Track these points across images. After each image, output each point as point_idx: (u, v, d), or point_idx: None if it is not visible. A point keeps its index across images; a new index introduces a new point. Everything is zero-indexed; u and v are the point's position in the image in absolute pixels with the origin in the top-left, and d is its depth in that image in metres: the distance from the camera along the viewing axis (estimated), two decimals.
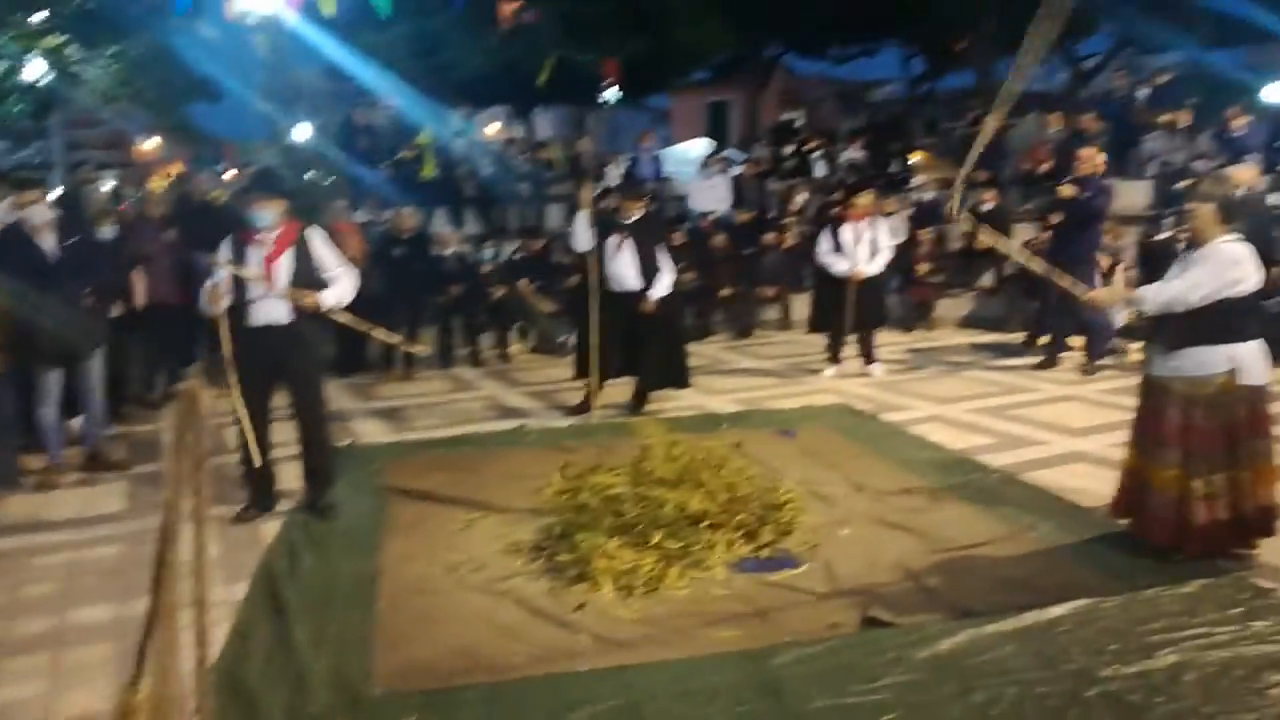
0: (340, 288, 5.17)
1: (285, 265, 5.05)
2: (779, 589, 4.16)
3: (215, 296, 4.96)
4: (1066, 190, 8.74)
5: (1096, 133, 12.15)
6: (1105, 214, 8.76)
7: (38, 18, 13.58)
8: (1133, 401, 4.65)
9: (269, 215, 5.04)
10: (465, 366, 9.75)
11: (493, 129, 21.19)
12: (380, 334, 5.98)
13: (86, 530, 5.21)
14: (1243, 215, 4.42)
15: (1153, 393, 4.37)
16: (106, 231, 7.55)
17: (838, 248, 8.60)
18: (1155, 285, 4.18)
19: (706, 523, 4.60)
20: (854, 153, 14.90)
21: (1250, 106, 12.73)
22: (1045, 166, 12.28)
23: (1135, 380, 4.64)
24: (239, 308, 5.01)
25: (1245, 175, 10.12)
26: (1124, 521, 4.65)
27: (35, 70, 13.87)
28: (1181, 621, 3.71)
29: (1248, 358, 4.19)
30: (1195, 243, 4.36)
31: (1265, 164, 11.23)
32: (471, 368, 9.73)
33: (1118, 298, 4.30)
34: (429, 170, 12.59)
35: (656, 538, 4.42)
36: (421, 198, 11.69)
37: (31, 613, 4.22)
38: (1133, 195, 11.67)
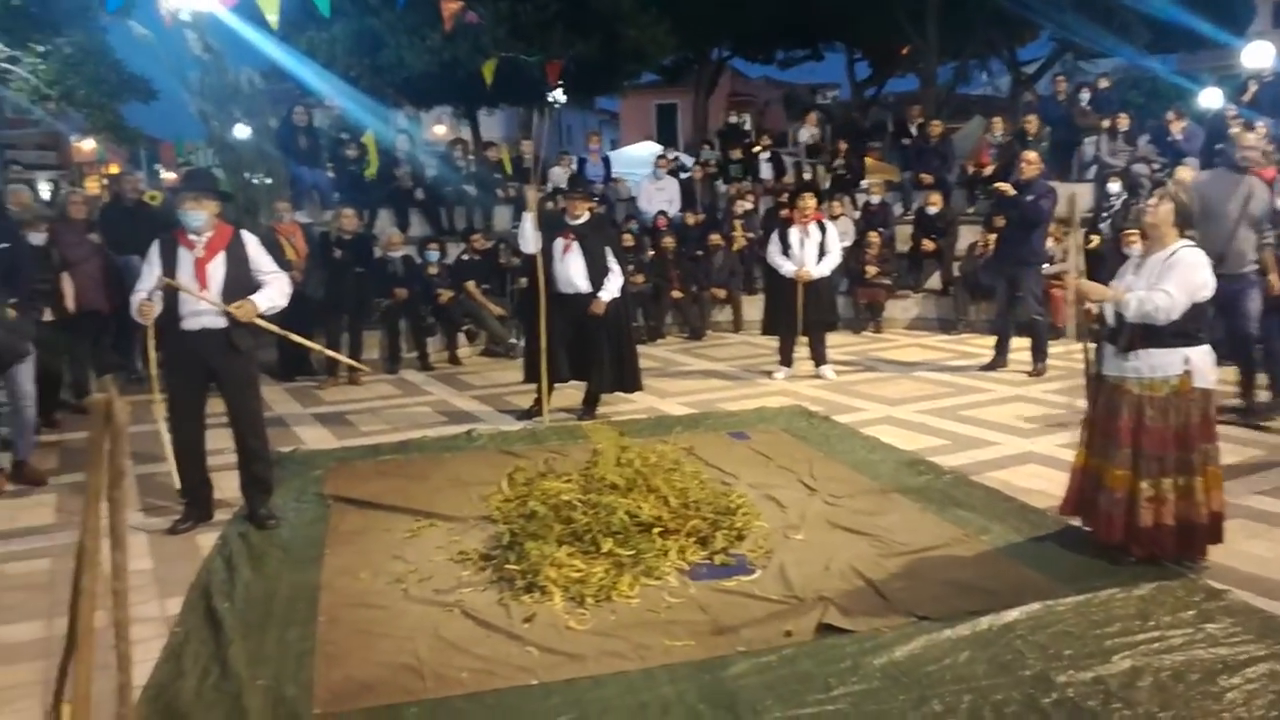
0: (272, 290, 5.00)
1: (218, 269, 4.87)
2: (733, 596, 4.08)
3: (145, 311, 4.78)
4: (1004, 188, 8.84)
5: (1038, 136, 12.32)
6: (1050, 216, 8.84)
7: None
8: (1080, 402, 4.66)
9: (201, 216, 4.86)
10: (412, 370, 9.57)
11: (438, 129, 20.98)
12: (319, 349, 5.81)
13: (13, 543, 4.98)
14: (1195, 222, 4.44)
15: (1105, 393, 4.37)
16: (36, 237, 7.25)
17: (786, 250, 8.58)
18: (1140, 293, 4.14)
19: (658, 529, 4.51)
20: (809, 129, 14.93)
21: (1186, 111, 12.99)
22: (989, 169, 12.42)
23: (1083, 381, 4.64)
24: (171, 313, 4.82)
25: (1186, 176, 10.32)
26: (1075, 520, 4.66)
27: None
28: (1136, 625, 3.69)
29: (1201, 361, 4.20)
30: (1149, 245, 4.38)
31: (1201, 167, 11.45)
32: (419, 371, 9.55)
33: (1105, 295, 4.27)
34: (372, 170, 12.37)
35: (608, 545, 4.32)
36: (365, 199, 11.48)
37: None
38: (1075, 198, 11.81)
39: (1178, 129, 12.07)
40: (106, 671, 2.65)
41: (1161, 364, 4.19)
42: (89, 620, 2.47)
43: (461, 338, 10.40)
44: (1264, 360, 6.79)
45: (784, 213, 9.80)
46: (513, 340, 10.12)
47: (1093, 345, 4.52)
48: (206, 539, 4.91)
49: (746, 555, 4.48)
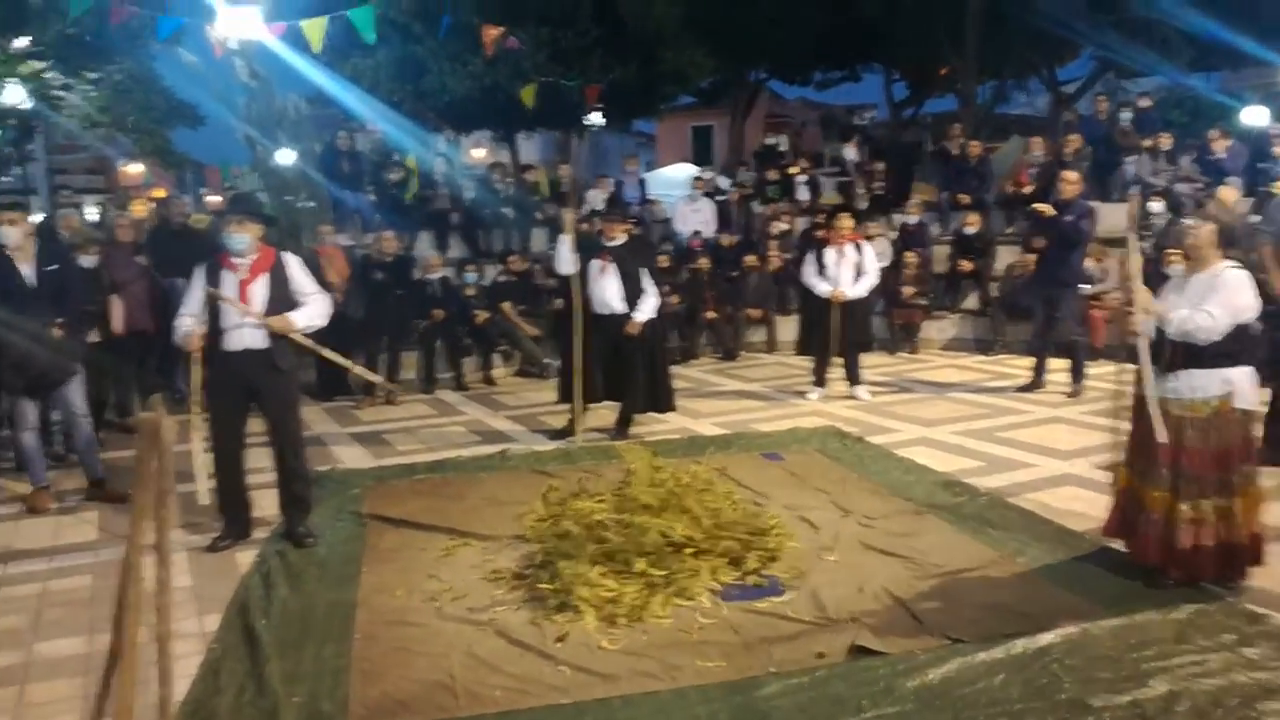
0: (312, 309, 5.10)
1: (260, 290, 4.98)
2: (765, 617, 4.08)
3: (191, 344, 4.89)
4: (1043, 208, 8.77)
5: (1078, 156, 12.22)
6: (1090, 237, 8.77)
7: (19, 43, 13.53)
8: (1121, 424, 4.61)
9: (245, 239, 4.97)
10: (448, 390, 9.67)
11: (478, 153, 21.21)
12: (357, 370, 5.90)
13: (57, 560, 5.09)
14: (1239, 242, 4.41)
15: (1146, 414, 4.33)
16: (88, 259, 7.44)
17: (822, 270, 8.59)
18: (1184, 311, 4.12)
19: (691, 550, 4.52)
20: (850, 152, 14.94)
21: (1230, 129, 12.83)
22: (1028, 189, 12.33)
23: (1122, 403, 4.59)
24: (214, 333, 4.93)
25: (1228, 196, 10.21)
26: (1117, 543, 4.61)
27: (15, 96, 13.80)
28: (1173, 649, 3.65)
29: (1242, 382, 4.18)
30: (1192, 265, 4.34)
31: (1246, 186, 11.30)
32: (454, 391, 9.65)
33: (1153, 309, 4.24)
34: (412, 193, 12.55)
35: (640, 565, 4.34)
36: (405, 222, 11.65)
37: None
38: (1115, 218, 11.70)
39: (1221, 148, 11.92)
40: (146, 686, 2.71)
41: (1202, 384, 4.17)
42: (133, 634, 2.54)
43: (497, 358, 10.49)
44: None
45: (820, 233, 9.80)
46: (547, 361, 10.19)
47: (1134, 365, 4.46)
48: (245, 557, 4.99)
49: (779, 576, 4.47)
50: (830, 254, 8.59)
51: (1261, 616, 3.91)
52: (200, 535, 5.24)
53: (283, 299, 5.02)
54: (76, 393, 6.04)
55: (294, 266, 5.15)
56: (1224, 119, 15.23)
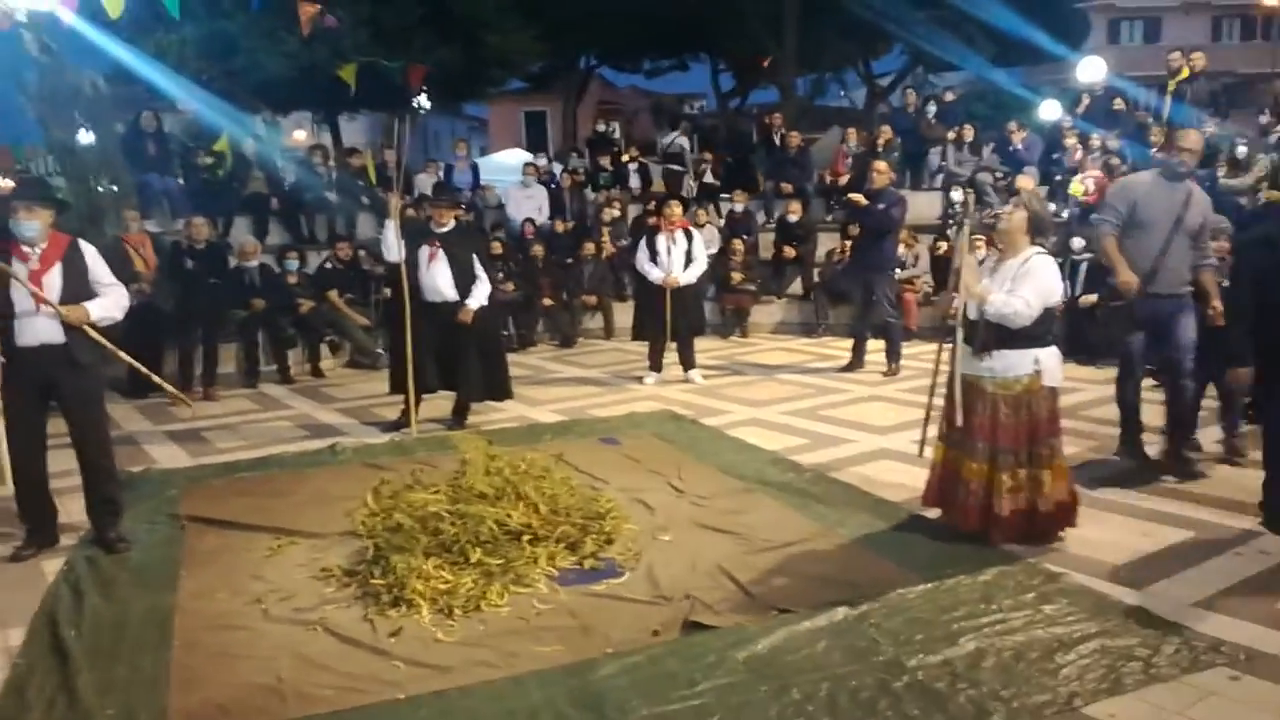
0: (108, 301, 4.80)
1: (54, 281, 4.65)
2: (602, 599, 4.13)
3: None
4: (856, 198, 9.21)
5: (889, 147, 12.85)
6: (900, 224, 9.24)
7: None
8: (933, 401, 4.90)
9: (35, 226, 4.63)
10: (272, 384, 9.29)
11: (299, 135, 20.40)
12: (155, 380, 5.53)
13: None
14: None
15: (963, 390, 4.59)
16: None
17: (654, 257, 8.72)
18: (1002, 295, 4.39)
19: (528, 536, 4.53)
20: (679, 138, 15.14)
21: (1027, 122, 13.78)
22: (845, 179, 12.88)
23: (938, 381, 4.88)
24: (4, 327, 4.57)
25: (1026, 185, 10.96)
26: (934, 512, 4.90)
27: None
28: (980, 609, 3.90)
29: (1050, 361, 4.51)
30: (1004, 250, 4.63)
31: (1040, 176, 12.17)
32: (279, 384, 9.28)
33: (974, 291, 4.47)
34: (223, 174, 11.91)
35: (476, 555, 4.31)
36: (219, 207, 11.07)
37: None
38: (923, 206, 12.39)
39: (1018, 139, 12.80)
40: None
41: (1014, 364, 4.47)
42: None
43: (324, 349, 10.15)
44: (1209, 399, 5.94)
45: (652, 220, 9.93)
46: (378, 350, 9.94)
47: (949, 345, 4.74)
48: (51, 565, 4.67)
49: (615, 558, 4.54)
50: (662, 241, 8.73)
51: (1058, 575, 4.23)
52: (2, 545, 4.87)
53: (79, 291, 4.70)
54: None
55: (90, 255, 4.83)
56: (1023, 112, 16.33)
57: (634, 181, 14.47)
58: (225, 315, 9.24)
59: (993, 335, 4.46)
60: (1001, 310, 4.38)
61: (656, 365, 8.94)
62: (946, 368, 4.77)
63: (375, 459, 6.41)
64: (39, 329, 4.62)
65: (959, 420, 4.54)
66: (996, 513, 4.49)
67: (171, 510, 5.44)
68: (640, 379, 8.98)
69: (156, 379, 5.58)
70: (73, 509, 5.10)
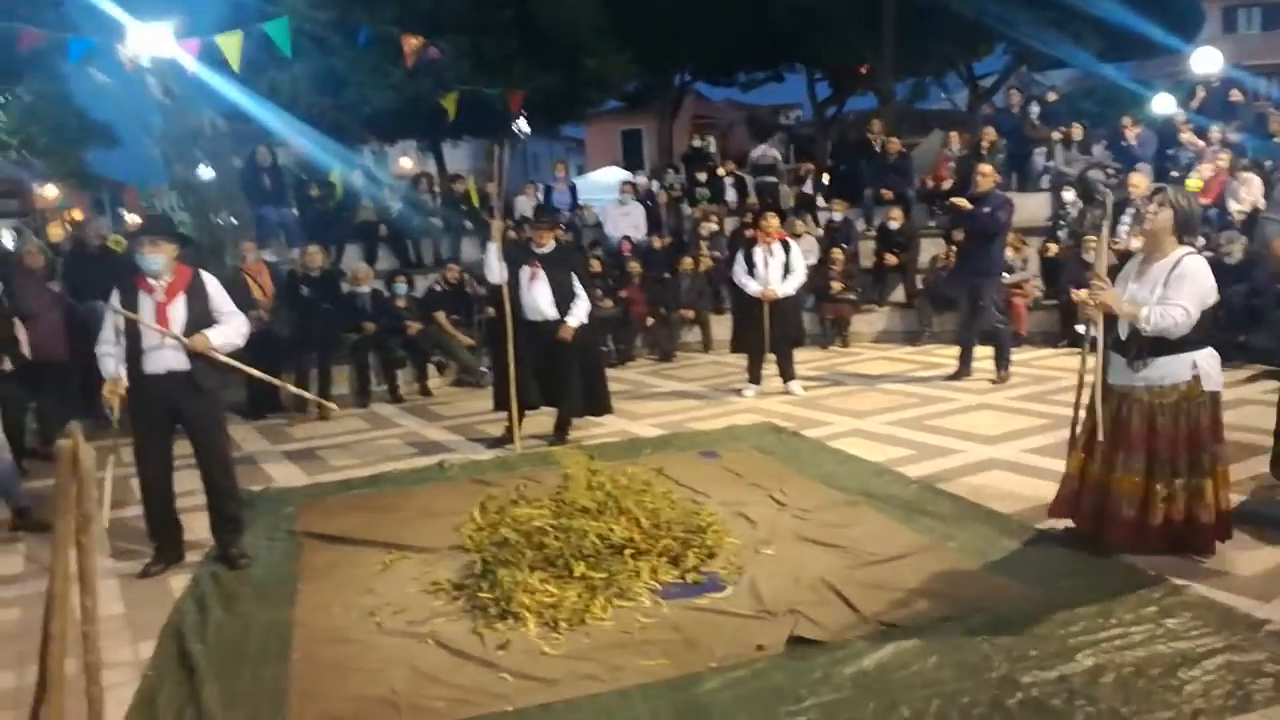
0: (228, 328, 5.03)
1: (179, 311, 4.90)
2: (705, 613, 4.12)
3: (111, 391, 4.85)
4: (960, 203, 9.01)
5: (994, 149, 12.55)
6: (1007, 227, 9.00)
7: None
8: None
9: (159, 260, 4.88)
10: (383, 403, 9.58)
11: (404, 163, 21.03)
12: (286, 387, 5.83)
13: None
14: (1197, 229, 4.43)
15: (1112, 401, 4.37)
16: None
17: (751, 269, 8.69)
18: (1157, 308, 4.14)
19: (630, 550, 4.55)
20: (771, 149, 15.07)
21: (1141, 117, 13.28)
22: (947, 183, 12.62)
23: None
24: (133, 356, 4.84)
25: (1140, 182, 10.57)
26: (1044, 523, 4.75)
27: None
28: (1099, 623, 3.76)
29: (1208, 364, 4.25)
30: (1151, 251, 4.36)
31: (1155, 172, 11.71)
32: (389, 404, 9.56)
33: (1124, 312, 4.24)
34: (335, 204, 12.38)
35: (580, 569, 4.36)
36: (331, 235, 11.50)
37: None
38: (1031, 208, 12.05)
39: (1132, 135, 12.34)
40: (79, 718, 2.66)
41: (1171, 371, 4.22)
42: (59, 666, 2.49)
43: (431, 369, 10.42)
44: None
45: (748, 233, 9.90)
46: (483, 369, 10.15)
47: (1092, 354, 4.50)
48: (178, 581, 4.90)
49: (718, 572, 4.52)
50: (759, 253, 8.71)
51: (1181, 588, 4.05)
52: (133, 561, 5.13)
53: (201, 319, 4.95)
54: None
55: (212, 285, 5.08)
56: (1135, 107, 15.76)
57: (730, 195, 14.47)
58: (339, 338, 9.58)
59: (1147, 343, 4.22)
60: (1160, 324, 4.12)
61: (755, 377, 8.90)
62: (1089, 375, 4.56)
63: (481, 475, 6.54)
64: (165, 358, 4.87)
65: (1101, 435, 4.29)
66: (1151, 524, 4.27)
67: (289, 527, 5.66)
68: (739, 391, 8.95)
69: (296, 389, 5.83)
70: (197, 527, 5.33)
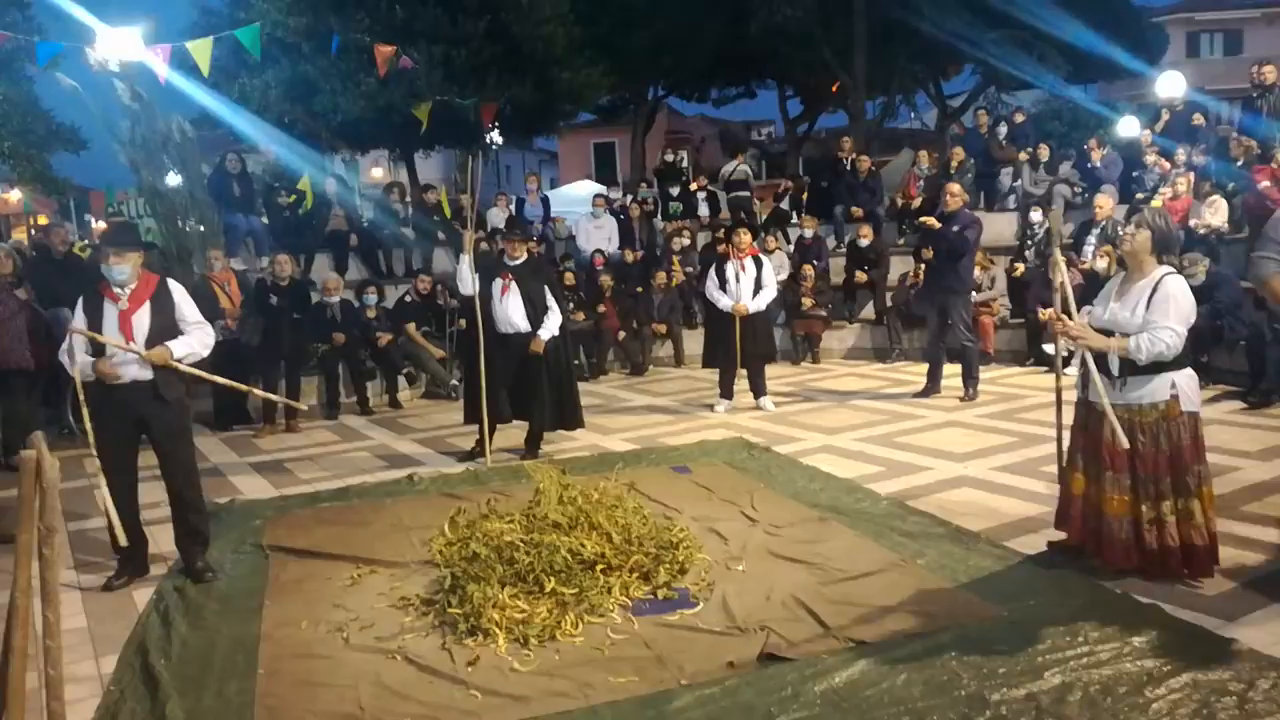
0: (192, 339, 4.97)
1: (143, 320, 4.84)
2: (676, 630, 4.12)
3: (104, 371, 4.75)
4: (929, 221, 9.10)
5: (962, 168, 12.70)
6: (976, 246, 9.10)
7: None
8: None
9: (125, 270, 4.82)
10: (352, 415, 9.50)
11: (376, 173, 20.93)
12: (256, 393, 5.78)
13: None
14: (1175, 247, 4.44)
15: (1093, 420, 4.40)
16: None
17: (723, 285, 8.73)
18: (1144, 338, 4.15)
19: (601, 566, 4.53)
20: (742, 165, 15.13)
21: (1106, 139, 13.50)
22: (918, 202, 12.76)
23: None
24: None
25: (1105, 203, 10.72)
26: (1016, 541, 4.82)
27: None
28: (1066, 641, 3.79)
29: (1187, 385, 4.28)
30: (1130, 272, 4.39)
31: (1120, 194, 11.90)
32: (359, 415, 9.49)
33: (1108, 346, 4.26)
34: (304, 213, 12.30)
35: (550, 585, 4.33)
36: (301, 244, 11.41)
37: None
38: (998, 227, 12.20)
39: (1098, 157, 12.53)
40: None
41: (1150, 390, 4.24)
42: (20, 680, 2.44)
43: (402, 381, 10.35)
44: None
45: (720, 248, 9.95)
46: (454, 382, 10.10)
47: (1069, 371, 4.50)
48: (142, 595, 4.82)
49: (689, 588, 4.52)
50: (730, 268, 8.74)
51: (1147, 606, 4.09)
52: (94, 575, 5.05)
53: (167, 328, 4.88)
54: None
55: (178, 293, 5.02)
56: (1101, 128, 16.00)
57: (703, 210, 14.53)
58: (308, 349, 9.50)
59: (1127, 363, 4.25)
60: (1153, 351, 4.13)
61: (727, 393, 8.93)
62: (1070, 394, 4.61)
63: (452, 489, 6.51)
64: (129, 368, 4.80)
65: (1124, 442, 4.22)
66: (1148, 547, 4.27)
67: (256, 540, 5.58)
68: (711, 407, 8.97)
69: (273, 397, 5.77)
70: (162, 539, 5.27)
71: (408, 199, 13.54)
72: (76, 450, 5.22)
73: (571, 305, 10.57)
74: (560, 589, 4.31)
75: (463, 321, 8.89)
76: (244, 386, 5.94)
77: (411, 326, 10.39)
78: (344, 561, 5.12)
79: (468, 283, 7.06)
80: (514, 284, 7.14)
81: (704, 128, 35.95)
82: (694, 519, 5.49)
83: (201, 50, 9.26)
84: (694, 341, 11.06)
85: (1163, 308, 4.18)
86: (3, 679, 2.48)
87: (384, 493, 6.57)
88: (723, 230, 11.98)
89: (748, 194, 14.68)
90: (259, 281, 9.62)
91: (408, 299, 10.82)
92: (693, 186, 14.87)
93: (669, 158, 16.74)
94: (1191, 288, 4.42)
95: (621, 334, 11.58)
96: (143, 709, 3.63)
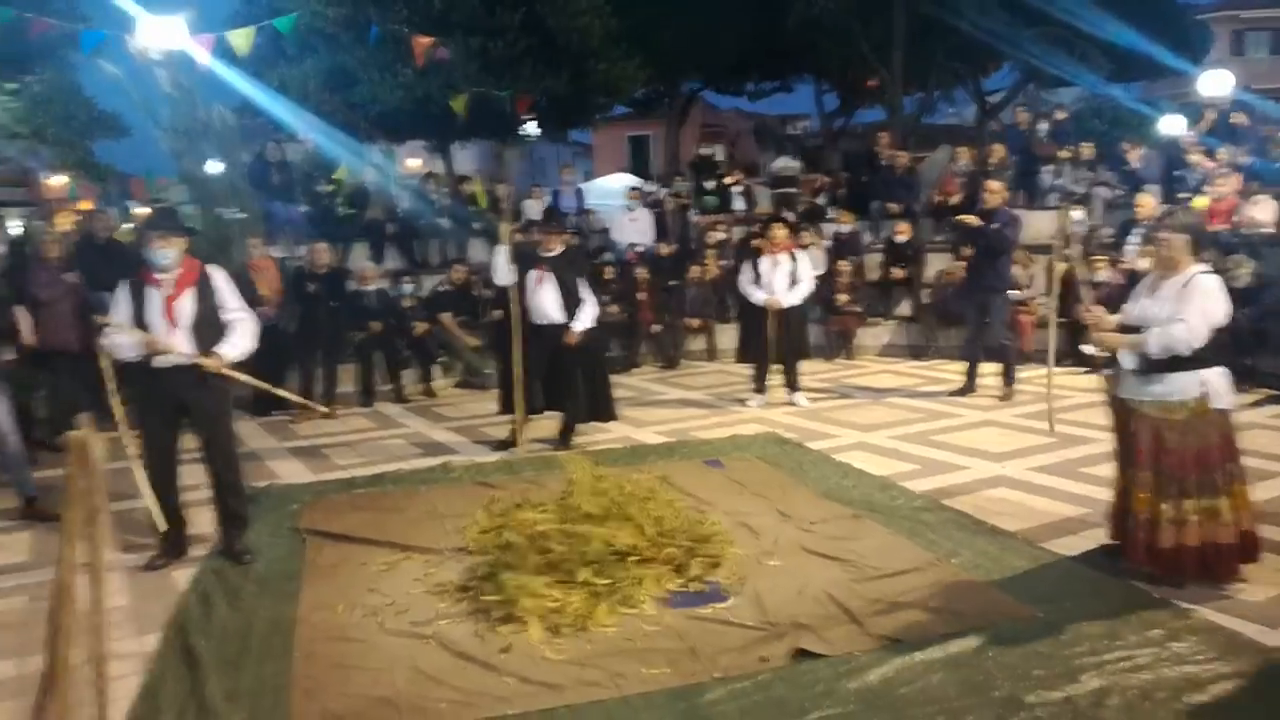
0: (238, 339, 5.01)
1: (187, 306, 4.90)
2: (708, 623, 4.12)
3: (153, 345, 4.81)
4: (968, 219, 9.00)
5: (1002, 165, 12.55)
6: (1015, 244, 9.00)
7: None
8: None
9: (169, 254, 4.88)
10: (388, 403, 9.57)
11: (412, 163, 21.03)
12: (288, 396, 5.84)
13: None
14: (1210, 247, 4.49)
15: (1123, 415, 4.40)
16: None
17: (757, 279, 8.70)
18: (1157, 331, 4.16)
19: (634, 558, 4.54)
20: (792, 160, 15.06)
21: (1144, 139, 13.28)
22: (956, 199, 12.62)
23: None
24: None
25: (1147, 204, 10.55)
26: (1052, 543, 4.77)
27: None
28: (1104, 645, 3.75)
29: (1217, 382, 4.24)
30: (1165, 271, 4.37)
31: (1162, 194, 11.70)
32: (394, 404, 9.56)
33: (1121, 343, 4.28)
34: (342, 203, 12.41)
35: (584, 574, 4.35)
36: (339, 233, 11.50)
37: None
38: (1039, 225, 12.04)
39: (1134, 157, 12.34)
40: (83, 709, 2.65)
41: (1179, 387, 4.21)
42: (66, 656, 2.49)
43: (437, 370, 10.41)
44: None
45: (755, 243, 9.90)
46: (488, 371, 10.14)
47: (1107, 369, 4.51)
48: (182, 575, 4.90)
49: (721, 582, 4.52)
50: (765, 263, 8.71)
51: (1187, 612, 4.04)
52: (136, 554, 5.12)
53: (209, 314, 4.94)
54: (1, 409, 5.86)
55: (220, 280, 5.07)
56: (1142, 128, 15.74)
57: (738, 204, 14.47)
58: (344, 337, 9.58)
59: (1154, 357, 4.22)
60: (1163, 343, 4.13)
61: (761, 387, 8.90)
62: (1108, 394, 4.56)
63: (485, 477, 6.54)
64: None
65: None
66: (1159, 546, 4.24)
67: (293, 524, 5.65)
68: (744, 401, 8.94)
69: (294, 397, 5.85)
70: (201, 522, 5.34)
71: (444, 189, 13.59)
72: (118, 432, 5.28)
73: (606, 297, 10.58)
74: (593, 579, 4.33)
75: (498, 312, 8.92)
76: (280, 390, 5.99)
77: (446, 316, 10.45)
78: (379, 547, 5.17)
79: (504, 274, 7.09)
80: (549, 275, 7.16)
81: (739, 121, 35.74)
82: (726, 513, 5.48)
83: (242, 40, 9.34)
84: (728, 336, 11.04)
85: (1187, 300, 4.18)
86: (51, 655, 2.53)
87: (419, 480, 6.62)
88: (759, 224, 11.93)
89: (795, 190, 14.59)
90: (297, 269, 9.71)
91: (443, 288, 10.88)
92: (728, 180, 14.81)
93: (704, 151, 16.71)
94: (1236, 290, 4.38)
95: (655, 327, 11.57)
96: (183, 688, 3.69)
